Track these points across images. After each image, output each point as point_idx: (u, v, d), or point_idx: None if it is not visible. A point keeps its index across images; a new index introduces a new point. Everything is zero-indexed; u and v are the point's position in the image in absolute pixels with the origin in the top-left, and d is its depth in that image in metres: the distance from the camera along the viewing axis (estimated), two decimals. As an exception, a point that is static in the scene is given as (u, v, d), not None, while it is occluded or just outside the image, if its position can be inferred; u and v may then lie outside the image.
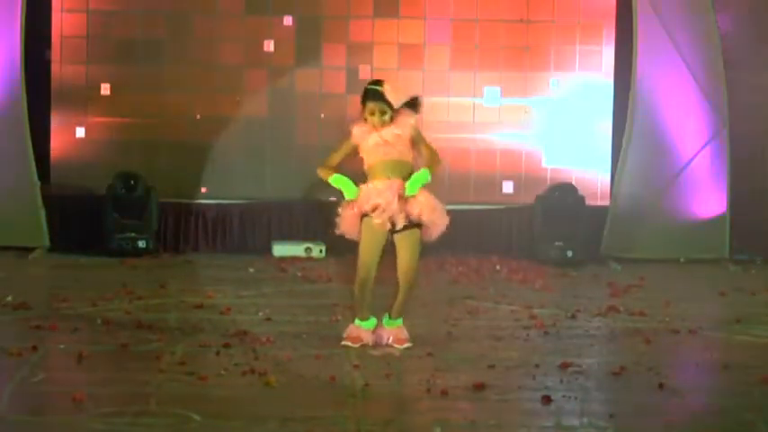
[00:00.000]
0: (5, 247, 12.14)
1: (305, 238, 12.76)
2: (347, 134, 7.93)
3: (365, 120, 7.84)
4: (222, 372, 7.08)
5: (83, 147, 12.91)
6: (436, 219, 7.83)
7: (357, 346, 7.84)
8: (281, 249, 12.64)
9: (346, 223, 7.89)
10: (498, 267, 11.94)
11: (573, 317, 9.35)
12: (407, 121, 7.82)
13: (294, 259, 12.35)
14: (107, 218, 12.45)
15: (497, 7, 13.07)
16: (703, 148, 12.80)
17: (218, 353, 7.62)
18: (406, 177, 7.75)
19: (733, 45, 12.85)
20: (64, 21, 12.83)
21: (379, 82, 7.91)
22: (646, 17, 12.56)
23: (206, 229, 12.93)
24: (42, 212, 12.36)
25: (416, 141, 7.86)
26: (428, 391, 6.74)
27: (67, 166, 12.87)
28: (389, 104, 7.77)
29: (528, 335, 8.51)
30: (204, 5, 13.05)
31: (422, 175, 7.74)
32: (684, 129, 12.79)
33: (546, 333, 8.67)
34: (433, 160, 7.85)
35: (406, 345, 7.92)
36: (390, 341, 7.96)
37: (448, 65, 13.12)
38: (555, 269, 11.83)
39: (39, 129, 12.50)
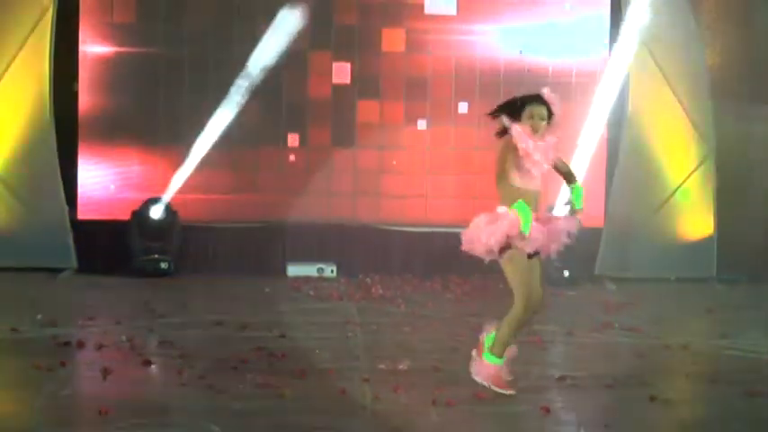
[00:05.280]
0: (36, 269, 12.36)
1: (317, 259, 12.96)
2: (503, 135, 7.03)
3: (527, 121, 6.98)
4: (240, 386, 7.22)
5: (109, 174, 13.11)
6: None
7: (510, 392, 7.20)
8: (294, 270, 12.84)
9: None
10: (502, 286, 11.91)
11: (570, 333, 9.53)
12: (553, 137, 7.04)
13: (307, 279, 12.52)
14: (132, 241, 12.67)
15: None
16: (691, 174, 13.00)
17: (236, 368, 7.76)
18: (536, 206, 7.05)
19: (720, 76, 13.03)
20: (90, 55, 13.02)
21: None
22: (638, 49, 12.79)
23: (224, 250, 13.10)
24: (70, 236, 12.60)
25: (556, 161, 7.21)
26: (434, 402, 6.86)
27: (94, 193, 13.06)
28: (550, 113, 7.05)
29: (528, 350, 8.41)
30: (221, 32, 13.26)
31: (580, 189, 7.22)
32: (674, 155, 12.99)
33: (545, 348, 8.86)
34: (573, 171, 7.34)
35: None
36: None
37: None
38: (553, 289, 11.67)
39: (67, 156, 12.70)
